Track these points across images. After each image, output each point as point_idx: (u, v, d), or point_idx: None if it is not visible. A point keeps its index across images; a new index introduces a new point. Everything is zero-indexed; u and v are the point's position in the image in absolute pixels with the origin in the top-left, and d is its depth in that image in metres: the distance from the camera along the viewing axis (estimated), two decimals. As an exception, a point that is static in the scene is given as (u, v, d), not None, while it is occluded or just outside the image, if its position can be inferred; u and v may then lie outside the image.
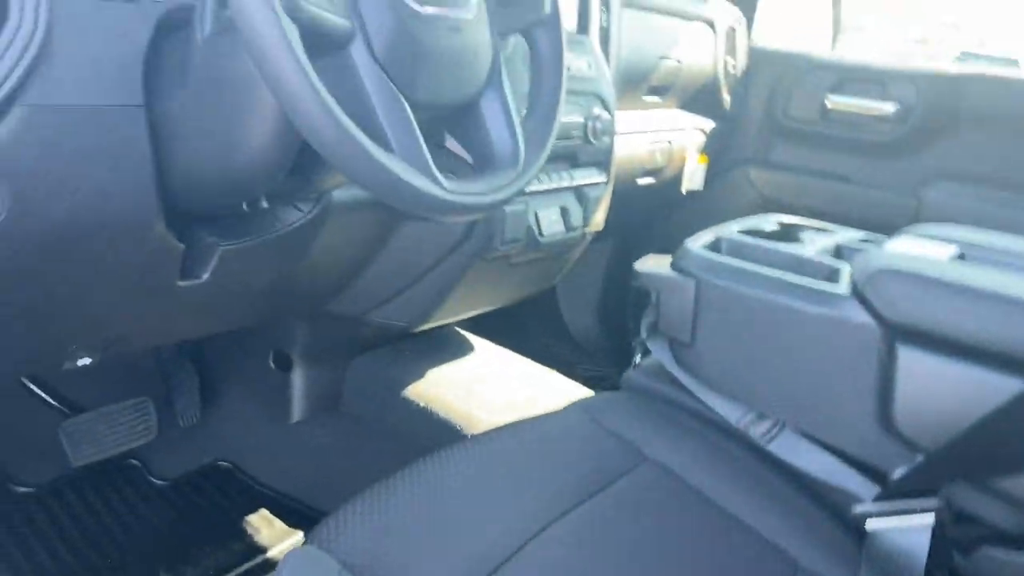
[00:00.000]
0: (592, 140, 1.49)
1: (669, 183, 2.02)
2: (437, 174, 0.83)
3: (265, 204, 1.08)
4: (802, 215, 2.16)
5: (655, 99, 1.90)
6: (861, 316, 1.00)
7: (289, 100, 0.73)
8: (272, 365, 1.57)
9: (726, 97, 2.10)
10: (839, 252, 1.24)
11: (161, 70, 0.92)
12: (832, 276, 1.10)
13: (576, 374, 2.31)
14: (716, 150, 2.14)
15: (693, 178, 2.06)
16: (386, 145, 0.80)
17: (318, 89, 0.73)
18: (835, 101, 2.05)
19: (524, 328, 2.39)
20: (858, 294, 1.01)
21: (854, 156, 2.06)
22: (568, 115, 1.42)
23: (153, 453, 1.46)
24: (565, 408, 1.11)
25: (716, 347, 1.12)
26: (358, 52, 0.80)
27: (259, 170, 0.96)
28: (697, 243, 1.18)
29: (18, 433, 1.38)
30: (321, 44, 0.78)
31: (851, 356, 1.01)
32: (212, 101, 0.90)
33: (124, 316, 1.06)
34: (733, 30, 2.10)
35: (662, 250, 2.32)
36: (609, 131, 1.52)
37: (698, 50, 1.97)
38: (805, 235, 1.29)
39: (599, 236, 1.91)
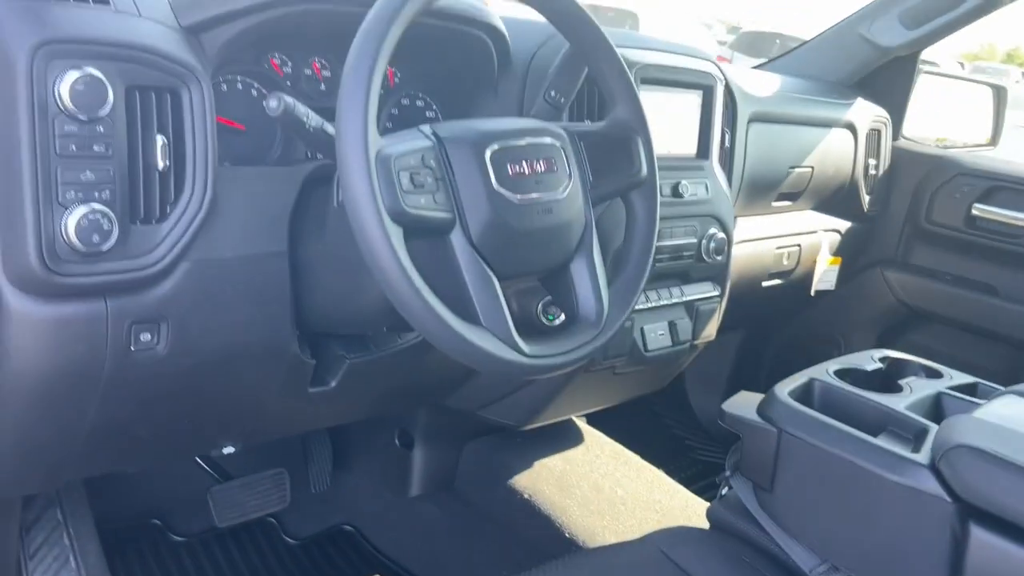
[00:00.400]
0: (705, 258, 1.54)
1: (799, 283, 2.03)
2: (518, 341, 0.94)
3: (385, 330, 1.22)
4: (941, 323, 2.11)
5: (785, 203, 1.92)
6: (936, 489, 1.01)
7: (388, 288, 0.86)
8: (397, 443, 1.72)
9: (865, 198, 2.08)
10: (938, 404, 1.23)
11: (304, 220, 1.08)
12: (919, 437, 1.11)
13: (695, 458, 2.35)
14: (852, 250, 2.12)
15: (823, 279, 2.06)
16: (473, 317, 0.92)
17: (412, 280, 0.85)
18: (983, 210, 1.99)
19: (649, 408, 2.44)
20: (935, 467, 1.02)
21: (1002, 267, 1.99)
22: (680, 237, 1.49)
23: (288, 513, 1.65)
24: (642, 539, 1.17)
25: (794, 495, 1.15)
26: (457, 239, 0.92)
27: (378, 314, 1.10)
28: (787, 388, 1.21)
29: (178, 491, 1.60)
30: (425, 232, 0.91)
31: (925, 527, 1.02)
32: (341, 255, 1.05)
33: (262, 416, 1.23)
34: (877, 132, 2.08)
35: (793, 345, 2.32)
36: (723, 249, 1.56)
37: (835, 155, 1.97)
38: (907, 380, 1.29)
39: (730, 326, 1.94)
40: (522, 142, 0.98)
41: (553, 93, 1.16)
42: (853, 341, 2.23)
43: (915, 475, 1.03)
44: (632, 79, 1.11)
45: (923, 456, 1.05)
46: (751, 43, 13.45)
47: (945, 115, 2.55)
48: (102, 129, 0.88)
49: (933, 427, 1.11)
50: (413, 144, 0.91)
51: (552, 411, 1.58)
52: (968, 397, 1.23)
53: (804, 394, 1.23)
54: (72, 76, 0.85)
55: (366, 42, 0.85)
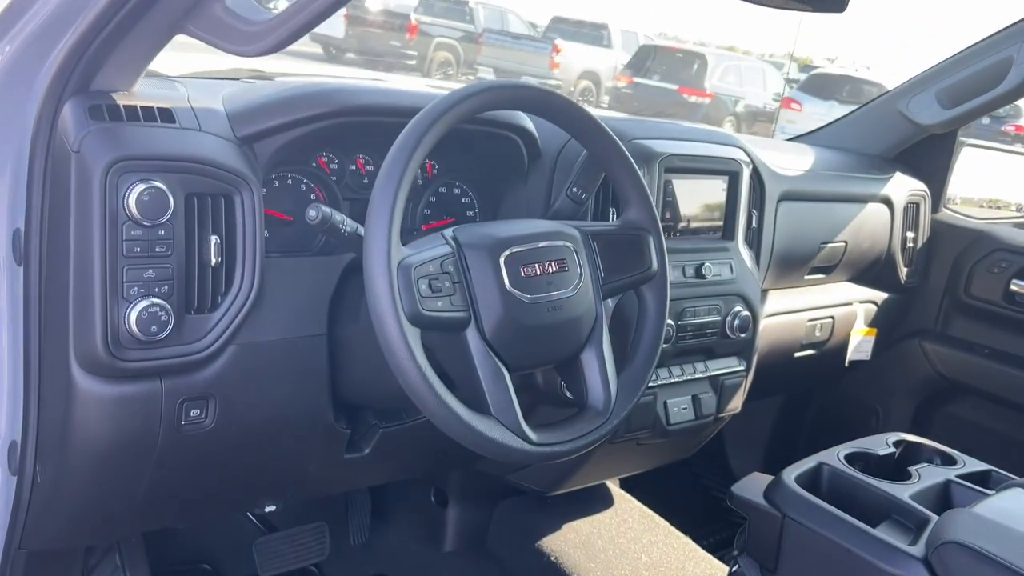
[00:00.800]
0: (730, 335, 1.60)
1: (834, 353, 2.06)
2: (526, 430, 1.02)
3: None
4: (980, 396, 2.11)
5: (819, 276, 1.96)
6: None
7: (404, 383, 0.96)
8: (433, 500, 1.81)
9: (903, 269, 2.11)
10: (947, 492, 1.27)
11: (341, 305, 1.19)
12: (920, 527, 1.14)
13: (733, 521, 2.37)
14: (889, 321, 2.14)
15: (858, 349, 2.08)
16: (484, 406, 1.01)
17: (427, 377, 0.95)
18: (1021, 286, 2.00)
19: (688, 469, 2.48)
20: (927, 560, 1.06)
21: (1040, 343, 1.99)
22: (704, 315, 1.55)
23: (328, 564, 1.74)
24: None
25: (797, 578, 1.20)
26: (471, 335, 1.01)
27: (399, 393, 1.19)
28: (795, 472, 1.26)
29: (227, 539, 1.72)
30: (441, 329, 1.00)
31: None
32: (372, 339, 1.15)
33: (301, 480, 1.33)
34: (915, 205, 2.11)
35: (832, 411, 2.33)
36: (748, 326, 1.62)
37: (870, 229, 2.00)
38: (919, 466, 1.32)
39: (767, 393, 1.95)
40: (538, 245, 1.07)
41: (575, 189, 1.25)
42: (892, 411, 2.25)
43: (908, 568, 1.07)
44: (644, 181, 1.19)
45: (918, 549, 1.09)
46: (821, 85, 13.33)
47: (997, 178, 2.57)
48: (163, 233, 1.00)
49: (934, 518, 1.15)
50: (433, 252, 1.00)
51: (579, 478, 1.65)
52: (977, 487, 1.26)
53: (812, 478, 1.28)
54: (139, 188, 0.98)
55: (392, 167, 0.96)
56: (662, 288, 1.19)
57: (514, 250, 1.05)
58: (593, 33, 14.99)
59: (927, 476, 1.28)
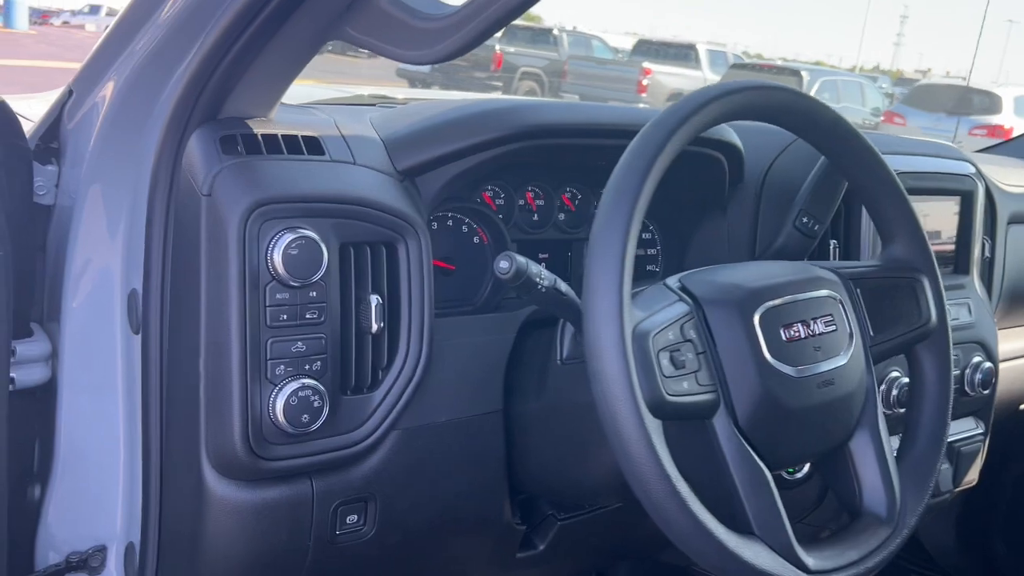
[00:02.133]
0: (969, 392, 1.30)
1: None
2: (799, 553, 0.76)
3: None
4: None
5: (1054, 311, 1.64)
6: None
7: (644, 495, 0.70)
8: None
9: None
10: None
11: (520, 374, 0.95)
12: None
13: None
14: None
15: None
16: (743, 523, 0.74)
17: (678, 490, 0.70)
18: None
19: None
20: None
21: None
22: (940, 369, 1.26)
23: None
24: None
25: None
26: (720, 424, 0.75)
27: (600, 488, 0.94)
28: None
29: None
30: (683, 418, 0.75)
31: None
32: (563, 418, 0.91)
33: None
34: None
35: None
36: (991, 381, 1.32)
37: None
38: None
39: (1003, 455, 1.62)
40: (798, 297, 0.81)
41: (805, 219, 1.00)
42: None
43: None
44: (913, 207, 0.92)
45: None
46: (925, 97, 12.63)
47: None
48: (315, 294, 0.79)
49: None
50: (669, 312, 0.75)
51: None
52: None
53: None
54: (287, 239, 0.76)
55: (618, 199, 0.72)
56: (943, 346, 0.92)
57: (770, 305, 0.78)
58: (680, 54, 14.67)
59: None
